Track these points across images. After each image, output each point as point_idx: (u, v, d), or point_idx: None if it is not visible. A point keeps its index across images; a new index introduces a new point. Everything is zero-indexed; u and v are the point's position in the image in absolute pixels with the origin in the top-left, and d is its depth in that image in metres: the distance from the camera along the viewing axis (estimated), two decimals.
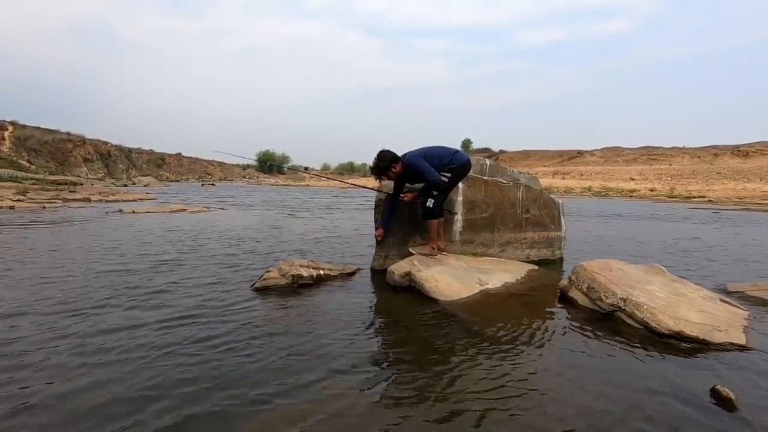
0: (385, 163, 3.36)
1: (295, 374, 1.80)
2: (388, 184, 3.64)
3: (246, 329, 2.29)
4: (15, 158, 30.45)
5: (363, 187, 4.64)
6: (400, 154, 3.43)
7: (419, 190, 3.48)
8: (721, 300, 2.65)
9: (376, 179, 3.59)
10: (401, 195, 3.51)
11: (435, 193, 3.31)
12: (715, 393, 1.66)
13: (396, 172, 3.39)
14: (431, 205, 3.31)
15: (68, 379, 1.73)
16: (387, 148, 3.41)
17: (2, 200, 10.18)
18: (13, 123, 34.63)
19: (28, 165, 29.70)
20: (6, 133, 33.22)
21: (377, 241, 3.74)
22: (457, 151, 3.49)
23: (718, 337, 2.18)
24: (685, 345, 2.16)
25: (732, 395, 1.61)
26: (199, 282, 3.26)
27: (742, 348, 2.13)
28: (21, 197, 11.29)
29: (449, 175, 3.37)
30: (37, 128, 36.74)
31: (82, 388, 1.66)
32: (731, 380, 1.77)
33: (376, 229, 3.72)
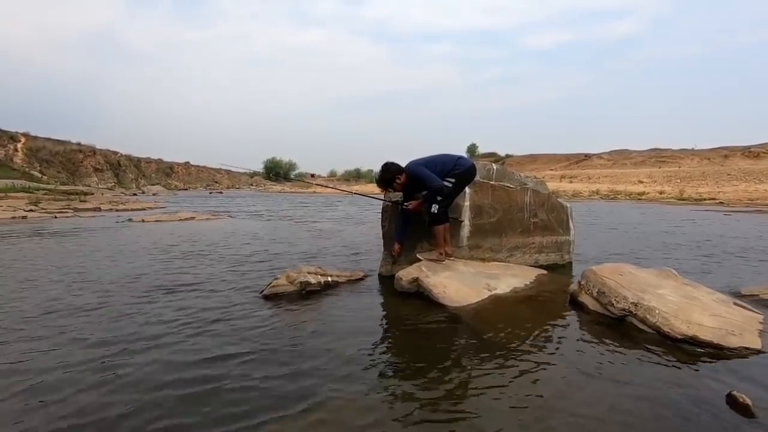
0: (389, 175, 3.41)
1: (302, 381, 1.80)
2: (396, 194, 3.66)
3: (254, 336, 2.30)
4: (27, 169, 31.01)
5: (367, 195, 4.64)
6: (406, 161, 3.46)
7: (424, 197, 3.48)
8: (735, 303, 2.61)
9: (382, 191, 3.63)
10: (405, 204, 3.51)
11: (439, 198, 3.32)
12: (731, 399, 1.62)
13: (401, 183, 3.43)
14: (436, 211, 3.32)
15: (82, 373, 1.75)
16: (392, 161, 3.45)
17: (15, 210, 10.36)
18: (25, 134, 35.33)
19: (40, 176, 30.22)
20: (19, 145, 33.88)
21: (391, 253, 3.70)
22: (461, 157, 3.51)
23: (733, 342, 2.14)
24: (699, 350, 2.12)
25: (749, 401, 1.58)
26: (206, 289, 3.27)
27: (757, 352, 2.09)
28: (33, 207, 11.47)
29: (453, 180, 3.38)
30: (49, 139, 37.42)
31: (92, 385, 1.68)
32: (747, 386, 1.74)
33: (393, 242, 3.68)
